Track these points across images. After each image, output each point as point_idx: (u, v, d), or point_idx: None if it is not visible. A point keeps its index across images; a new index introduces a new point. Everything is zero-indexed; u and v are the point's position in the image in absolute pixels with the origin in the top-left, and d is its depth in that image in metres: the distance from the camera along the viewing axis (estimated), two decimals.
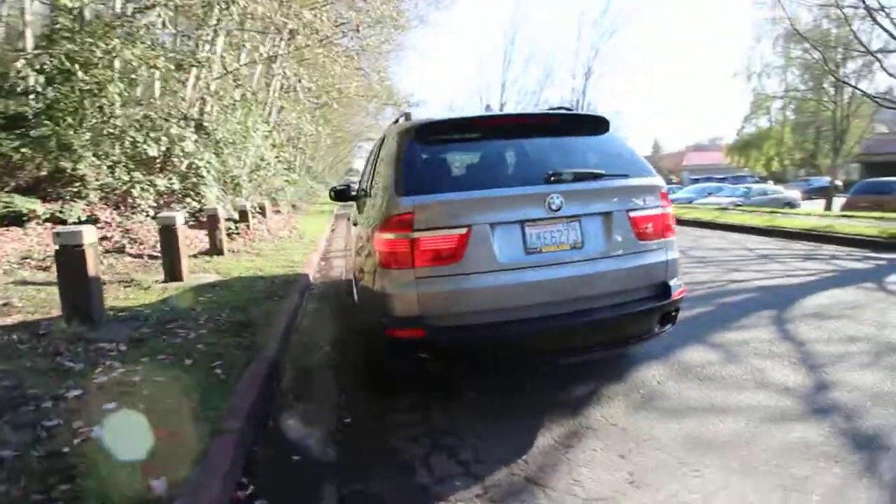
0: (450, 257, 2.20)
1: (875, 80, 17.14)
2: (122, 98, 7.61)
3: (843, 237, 7.51)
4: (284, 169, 13.92)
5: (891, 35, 9.22)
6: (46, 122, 6.96)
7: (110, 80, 7.31)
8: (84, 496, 1.77)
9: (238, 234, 8.44)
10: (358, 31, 11.21)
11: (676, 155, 51.22)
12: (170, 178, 8.21)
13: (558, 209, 2.29)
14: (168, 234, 5.14)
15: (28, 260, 5.37)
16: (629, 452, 2.17)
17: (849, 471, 1.98)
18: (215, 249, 6.92)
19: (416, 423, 2.52)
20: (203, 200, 8.41)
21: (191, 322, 3.75)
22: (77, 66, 6.85)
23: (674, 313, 2.58)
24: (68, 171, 6.95)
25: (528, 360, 2.43)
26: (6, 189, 6.63)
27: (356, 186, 4.29)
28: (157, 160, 8.30)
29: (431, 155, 2.51)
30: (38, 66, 6.86)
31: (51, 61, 6.95)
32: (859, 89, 13.42)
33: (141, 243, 6.70)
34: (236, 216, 8.82)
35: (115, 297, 4.41)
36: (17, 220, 6.23)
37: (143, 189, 7.49)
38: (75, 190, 6.90)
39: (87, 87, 7.14)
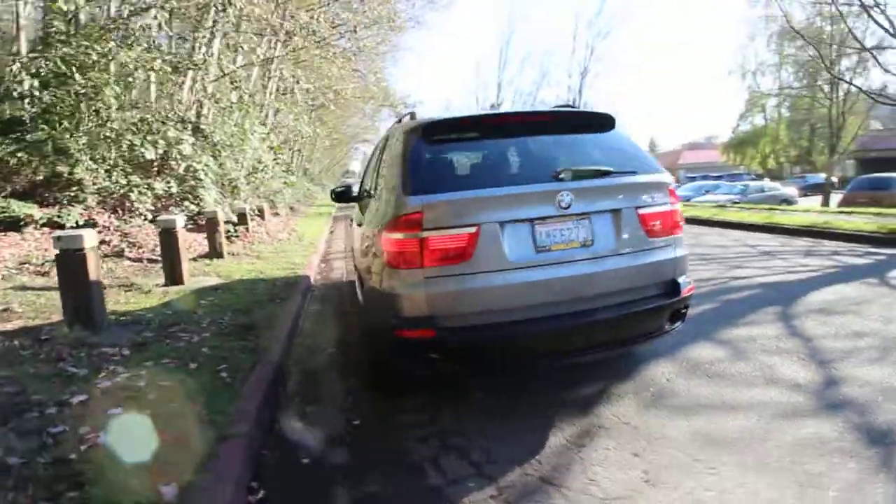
0: (459, 257, 2.18)
1: (869, 77, 17.26)
2: (119, 101, 7.57)
3: (842, 233, 7.53)
4: (283, 171, 13.87)
5: (886, 30, 9.25)
6: (43, 126, 6.92)
7: (106, 84, 7.27)
8: (93, 503, 1.74)
9: (237, 236, 8.40)
10: (355, 31, 11.18)
11: (672, 153, 51.37)
12: (167, 182, 8.16)
13: (568, 207, 2.28)
14: (168, 237, 5.10)
15: (26, 265, 5.32)
16: (642, 451, 2.15)
17: (864, 466, 1.97)
18: (215, 252, 6.88)
19: (424, 423, 2.50)
20: (201, 203, 8.36)
21: (193, 325, 3.71)
22: (73, 69, 6.80)
23: (683, 310, 2.57)
24: (65, 175, 6.91)
25: (539, 360, 2.41)
26: (3, 194, 6.58)
27: (356, 188, 4.29)
28: (155, 163, 8.26)
29: (439, 154, 2.49)
30: (33, 70, 6.81)
31: (46, 65, 6.90)
32: (856, 86, 13.48)
33: (140, 247, 6.66)
34: (235, 219, 8.78)
35: (115, 302, 4.37)
36: (15, 225, 6.18)
37: (140, 193, 7.45)
38: (72, 194, 6.85)
39: (83, 91, 7.09)
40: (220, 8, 8.83)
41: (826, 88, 18.21)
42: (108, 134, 7.38)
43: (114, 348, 3.12)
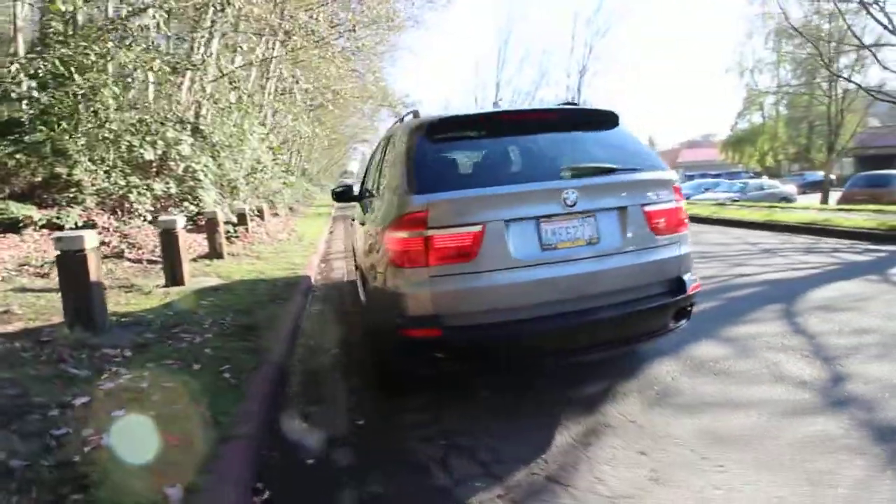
0: (465, 255, 2.17)
1: (867, 74, 17.26)
2: (117, 102, 7.54)
3: (843, 230, 7.53)
4: (282, 171, 13.84)
5: (885, 27, 9.25)
6: (41, 127, 6.89)
7: (105, 84, 7.24)
8: None
9: (237, 237, 8.38)
10: (354, 31, 11.16)
11: (670, 152, 51.39)
12: (166, 182, 8.14)
13: (574, 204, 2.26)
14: (169, 237, 5.08)
15: (26, 267, 5.30)
16: (649, 449, 2.14)
17: (872, 463, 1.96)
18: (215, 253, 6.87)
19: (429, 423, 2.49)
20: (200, 204, 8.34)
21: (195, 326, 3.70)
22: (72, 69, 6.77)
23: (689, 308, 2.56)
24: (64, 176, 6.88)
25: (545, 359, 2.40)
26: (1, 196, 6.55)
27: (357, 187, 4.30)
28: (154, 164, 8.24)
29: (443, 152, 2.47)
30: (31, 71, 6.78)
31: (44, 66, 6.86)
32: (855, 83, 13.49)
33: (139, 248, 6.64)
34: (234, 219, 8.76)
35: (116, 303, 4.35)
36: (14, 226, 6.15)
37: (139, 193, 7.42)
38: (71, 195, 6.83)
39: (82, 92, 7.06)
40: (218, 8, 8.80)
41: (824, 86, 18.22)
42: (106, 135, 7.35)
43: (115, 350, 3.10)
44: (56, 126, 6.93)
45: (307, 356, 3.58)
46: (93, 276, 3.33)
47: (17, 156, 6.66)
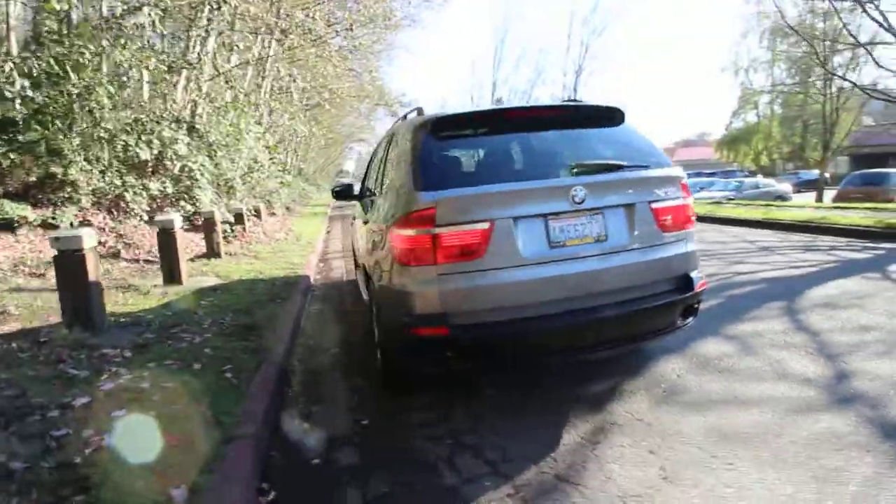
0: (473, 253, 2.14)
1: (861, 73, 17.35)
2: (112, 101, 7.47)
3: (840, 228, 7.56)
4: (279, 171, 13.77)
5: (880, 25, 9.29)
6: (35, 126, 6.81)
7: (100, 83, 7.17)
8: None
9: (234, 236, 8.33)
10: (351, 29, 11.10)
11: (666, 151, 51.24)
12: (163, 182, 8.07)
13: (582, 202, 2.24)
14: (166, 237, 5.04)
15: (21, 267, 5.23)
16: (658, 447, 2.13)
17: (881, 460, 1.95)
18: (213, 252, 6.82)
19: (435, 422, 2.47)
20: (197, 204, 8.29)
21: (195, 326, 3.66)
22: (67, 68, 6.70)
23: (696, 306, 2.55)
24: (59, 175, 6.80)
25: (553, 357, 2.39)
26: None
27: (357, 186, 4.30)
28: (150, 164, 8.15)
29: (449, 149, 2.45)
30: (25, 70, 6.70)
31: (38, 65, 6.79)
32: (851, 81, 13.56)
33: (136, 248, 6.59)
34: (232, 219, 8.70)
35: (114, 303, 4.30)
36: (8, 226, 6.08)
37: (135, 193, 7.36)
38: (67, 195, 6.75)
39: (77, 91, 6.99)
40: (214, 6, 8.73)
41: (819, 84, 18.32)
42: (101, 134, 7.28)
43: (115, 350, 3.06)
44: (51, 125, 6.85)
45: (308, 355, 3.55)
46: (91, 276, 3.29)
47: (12, 155, 6.57)
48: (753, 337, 3.32)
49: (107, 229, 6.76)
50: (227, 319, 3.89)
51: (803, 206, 12.11)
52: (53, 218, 6.32)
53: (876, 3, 9.12)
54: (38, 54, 6.85)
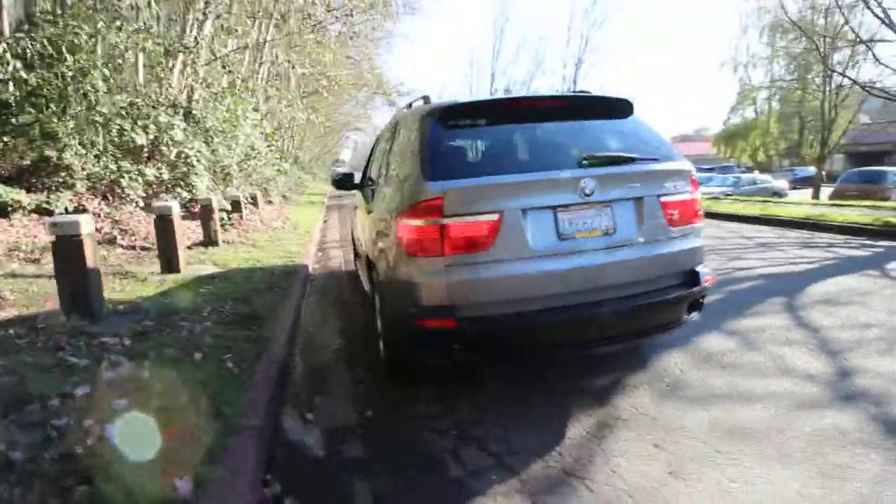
0: (481, 244, 2.12)
1: (860, 71, 17.34)
2: (107, 84, 7.34)
3: (838, 225, 7.59)
4: (276, 158, 13.63)
5: (882, 21, 9.27)
6: (29, 109, 6.68)
7: (94, 66, 7.04)
8: (105, 499, 1.67)
9: (231, 224, 8.25)
10: (351, 15, 10.95)
11: None
12: (158, 168, 7.97)
13: (591, 194, 2.22)
14: (164, 223, 4.97)
15: (16, 252, 5.16)
16: (663, 442, 2.13)
17: (886, 457, 1.96)
18: (210, 240, 6.75)
19: (439, 414, 2.46)
20: (194, 190, 8.19)
21: (194, 314, 3.62)
22: (62, 49, 6.56)
23: (701, 300, 2.54)
24: (53, 160, 6.69)
25: (560, 350, 2.37)
26: None
27: (358, 175, 4.26)
28: (145, 149, 8.04)
29: (457, 138, 2.42)
30: (18, 51, 6.56)
31: (32, 46, 6.65)
32: (851, 78, 13.54)
33: (132, 234, 6.51)
34: (228, 207, 8.62)
35: (111, 290, 4.25)
36: (2, 211, 5.98)
37: (131, 179, 7.25)
38: (61, 180, 6.65)
39: (71, 73, 6.86)
40: None
41: (818, 81, 18.30)
42: (96, 118, 7.17)
43: (114, 338, 3.02)
44: (45, 108, 6.72)
45: (309, 345, 3.53)
46: (89, 263, 3.23)
47: (5, 138, 6.47)
48: (755, 332, 3.32)
49: (102, 215, 6.67)
50: (226, 308, 3.85)
51: (800, 202, 12.15)
52: (48, 203, 6.22)
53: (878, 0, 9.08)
54: (32, 35, 6.71)
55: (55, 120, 6.71)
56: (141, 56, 7.88)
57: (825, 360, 2.87)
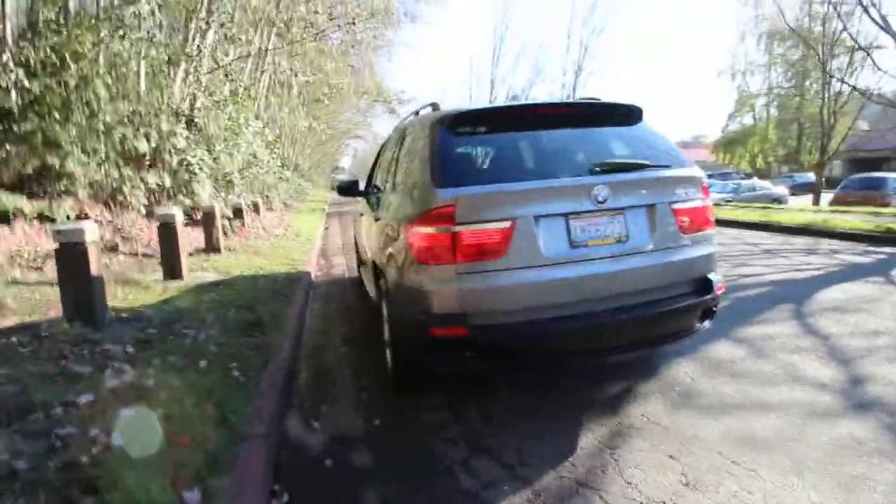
0: (494, 252, 2.10)
1: (858, 78, 17.41)
2: (110, 92, 7.35)
3: (840, 232, 7.58)
4: (278, 166, 13.64)
5: (881, 27, 9.32)
6: (32, 117, 6.68)
7: (97, 74, 7.05)
8: None
9: (233, 232, 8.23)
10: (354, 23, 11.01)
11: None
12: (161, 175, 7.96)
13: (604, 201, 2.20)
14: (167, 231, 4.96)
15: (18, 260, 5.13)
16: (677, 452, 2.10)
17: None
18: (212, 247, 6.73)
19: (449, 422, 2.43)
20: (196, 198, 8.18)
21: (198, 322, 3.59)
22: (66, 57, 6.58)
23: (714, 308, 2.51)
24: (55, 167, 6.68)
25: (572, 359, 2.34)
26: None
27: (362, 182, 4.26)
28: (147, 156, 8.04)
29: (467, 145, 2.40)
30: (21, 60, 6.57)
31: (35, 54, 6.67)
32: (850, 84, 13.61)
33: (134, 242, 6.49)
34: (230, 214, 8.61)
35: (114, 297, 4.21)
36: (4, 218, 5.96)
37: (133, 186, 7.24)
38: (63, 187, 6.63)
39: (74, 82, 6.87)
40: None
41: (816, 88, 18.40)
42: (99, 126, 7.17)
43: (117, 346, 2.99)
44: (47, 116, 6.72)
45: (314, 353, 3.50)
46: (93, 270, 3.21)
47: (7, 146, 6.46)
48: (764, 340, 3.30)
49: (104, 222, 6.65)
50: (230, 315, 3.82)
51: (802, 209, 12.14)
52: (50, 210, 6.20)
53: (877, 6, 9.14)
54: (35, 43, 6.73)
55: (58, 128, 6.70)
56: (144, 64, 7.90)
57: (836, 368, 2.84)
